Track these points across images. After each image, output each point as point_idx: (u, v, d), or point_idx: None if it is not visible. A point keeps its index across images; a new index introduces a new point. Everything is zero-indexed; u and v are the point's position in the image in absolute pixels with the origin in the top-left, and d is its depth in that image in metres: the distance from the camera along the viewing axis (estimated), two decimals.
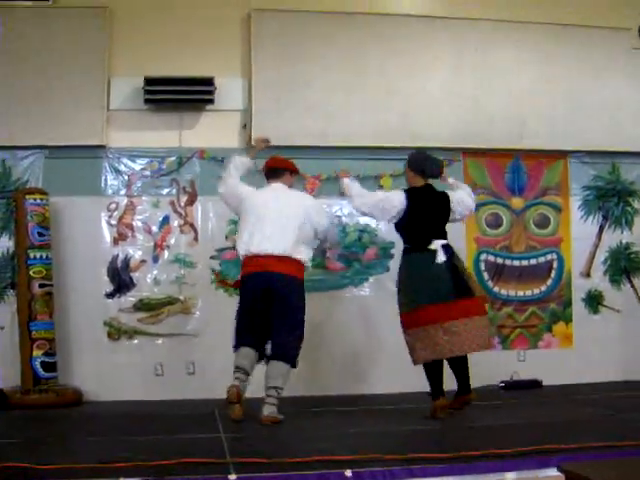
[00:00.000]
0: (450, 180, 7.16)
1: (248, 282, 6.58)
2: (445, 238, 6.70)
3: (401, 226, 6.81)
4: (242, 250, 6.61)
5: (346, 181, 7.10)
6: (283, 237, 6.52)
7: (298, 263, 6.57)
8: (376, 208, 6.82)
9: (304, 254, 6.62)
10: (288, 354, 6.46)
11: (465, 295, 6.52)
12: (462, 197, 6.95)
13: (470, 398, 6.65)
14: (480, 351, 6.56)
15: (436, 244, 6.58)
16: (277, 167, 6.95)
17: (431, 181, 6.87)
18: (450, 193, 6.89)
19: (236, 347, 6.64)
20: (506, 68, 8.81)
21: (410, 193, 6.76)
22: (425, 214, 6.73)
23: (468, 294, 6.54)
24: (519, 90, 8.80)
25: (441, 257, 6.52)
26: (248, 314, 6.56)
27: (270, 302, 6.47)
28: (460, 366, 6.62)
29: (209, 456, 4.75)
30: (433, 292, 6.47)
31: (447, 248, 6.63)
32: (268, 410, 6.31)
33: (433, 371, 6.57)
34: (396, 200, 6.73)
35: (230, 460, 4.67)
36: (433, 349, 6.44)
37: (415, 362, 6.62)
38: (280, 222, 6.54)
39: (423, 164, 6.85)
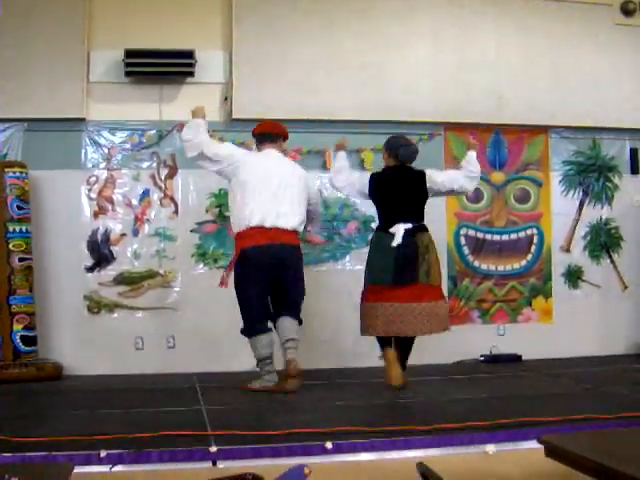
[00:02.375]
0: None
1: (257, 254, 6.55)
2: (416, 220, 6.72)
3: (375, 206, 6.99)
4: (247, 222, 6.56)
5: (339, 154, 7.20)
6: (294, 212, 6.68)
7: (297, 232, 6.76)
8: (351, 187, 7.08)
9: (301, 224, 6.82)
10: (298, 315, 6.76)
11: (409, 282, 6.56)
12: (449, 177, 6.98)
13: None
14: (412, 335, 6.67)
15: (397, 227, 6.62)
16: (272, 132, 6.92)
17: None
18: (429, 173, 6.86)
19: (252, 333, 6.66)
20: (486, 42, 8.79)
21: (376, 176, 6.92)
22: (390, 197, 6.82)
23: (413, 282, 6.57)
24: (500, 64, 8.79)
25: (397, 241, 6.57)
26: (258, 288, 6.60)
27: (279, 273, 6.62)
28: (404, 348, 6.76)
29: (190, 428, 4.76)
30: (384, 274, 6.62)
31: (412, 231, 6.65)
32: (292, 355, 6.58)
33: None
34: (363, 184, 6.96)
35: (211, 432, 4.69)
36: (373, 327, 6.71)
37: (362, 333, 6.90)
38: (290, 196, 6.69)
39: (398, 148, 6.87)
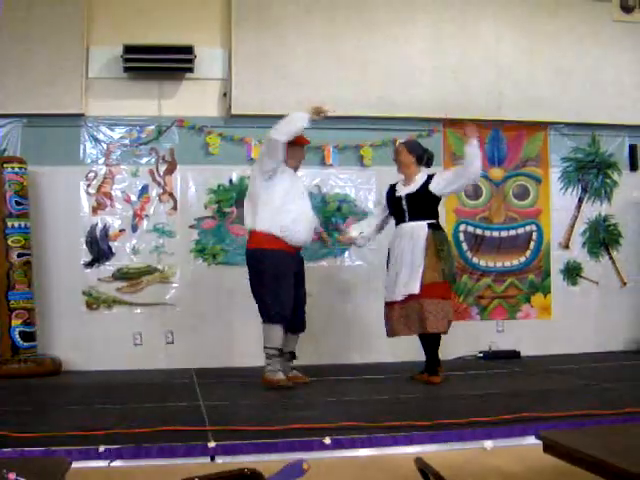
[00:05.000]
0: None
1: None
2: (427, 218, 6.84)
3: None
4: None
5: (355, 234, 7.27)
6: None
7: (250, 232, 6.73)
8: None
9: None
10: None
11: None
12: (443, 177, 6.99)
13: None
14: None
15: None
16: None
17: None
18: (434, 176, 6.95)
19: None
20: (486, 38, 8.79)
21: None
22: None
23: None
24: (499, 61, 8.78)
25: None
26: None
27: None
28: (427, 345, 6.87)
29: (188, 424, 4.76)
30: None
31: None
32: None
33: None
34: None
35: (209, 427, 4.69)
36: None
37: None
38: None
39: (422, 150, 7.04)
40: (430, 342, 6.75)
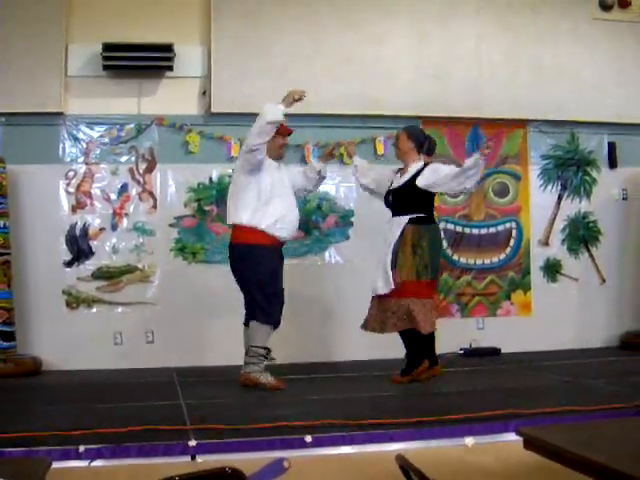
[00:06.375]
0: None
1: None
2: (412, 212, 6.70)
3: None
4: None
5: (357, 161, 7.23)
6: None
7: (236, 227, 6.57)
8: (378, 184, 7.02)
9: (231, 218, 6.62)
10: (249, 318, 6.57)
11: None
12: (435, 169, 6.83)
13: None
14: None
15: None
16: None
17: None
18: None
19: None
20: (466, 36, 8.80)
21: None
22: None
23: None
24: (479, 59, 8.80)
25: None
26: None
27: None
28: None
29: (169, 423, 4.75)
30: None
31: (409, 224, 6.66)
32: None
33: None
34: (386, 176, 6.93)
35: (190, 427, 4.68)
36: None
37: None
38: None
39: (423, 136, 6.95)
40: (419, 340, 6.58)
